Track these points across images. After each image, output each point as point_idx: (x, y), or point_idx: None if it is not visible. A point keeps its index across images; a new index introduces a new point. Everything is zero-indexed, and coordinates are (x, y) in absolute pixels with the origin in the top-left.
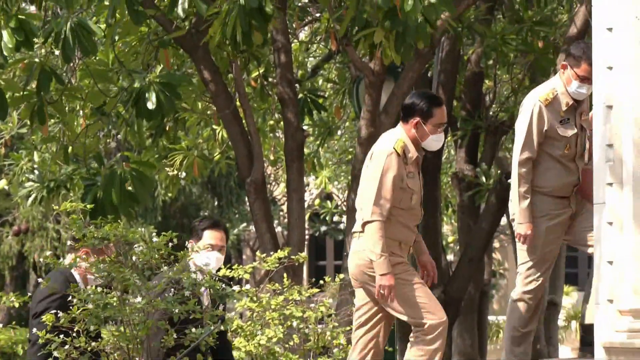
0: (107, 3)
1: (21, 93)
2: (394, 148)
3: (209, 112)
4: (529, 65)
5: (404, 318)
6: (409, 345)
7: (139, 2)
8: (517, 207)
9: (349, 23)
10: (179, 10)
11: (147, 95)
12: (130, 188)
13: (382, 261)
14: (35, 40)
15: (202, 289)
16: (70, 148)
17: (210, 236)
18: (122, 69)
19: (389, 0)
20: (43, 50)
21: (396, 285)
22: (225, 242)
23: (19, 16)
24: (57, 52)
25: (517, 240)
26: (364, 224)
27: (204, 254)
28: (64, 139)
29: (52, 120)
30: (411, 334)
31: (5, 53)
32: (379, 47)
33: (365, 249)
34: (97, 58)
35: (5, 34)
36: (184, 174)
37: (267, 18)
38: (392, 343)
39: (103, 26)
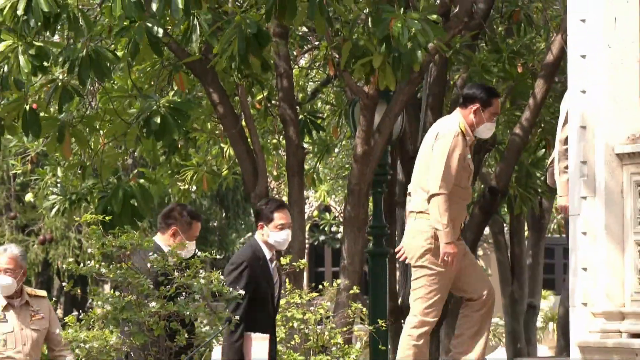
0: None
1: (50, 117)
2: (460, 128)
3: (217, 132)
4: (509, 90)
5: (457, 292)
6: (462, 313)
7: (157, 33)
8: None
9: (348, 54)
10: (194, 47)
11: (153, 118)
12: (134, 202)
13: (448, 231)
14: (47, 64)
15: (272, 264)
16: (88, 164)
17: (280, 216)
18: (139, 94)
19: (384, 28)
20: (65, 74)
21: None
22: None
23: (37, 43)
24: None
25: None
26: (430, 197)
27: (278, 233)
28: (83, 157)
29: (73, 140)
30: (463, 306)
31: (23, 78)
32: (377, 72)
33: (432, 222)
34: (117, 84)
35: (22, 59)
36: (194, 187)
37: (263, 43)
38: (385, 342)
39: (120, 53)
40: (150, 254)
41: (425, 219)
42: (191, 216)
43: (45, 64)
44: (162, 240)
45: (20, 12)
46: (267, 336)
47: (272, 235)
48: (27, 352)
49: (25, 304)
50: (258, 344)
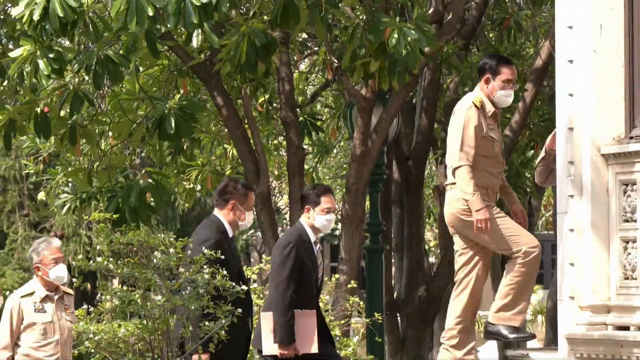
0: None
1: (61, 118)
2: (472, 102)
3: (221, 133)
4: None
5: (500, 250)
6: (507, 267)
7: (157, 36)
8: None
9: (343, 55)
10: (194, 43)
11: (167, 121)
12: (149, 197)
13: (476, 198)
14: (68, 68)
15: (316, 247)
16: (96, 165)
17: (326, 200)
18: (146, 97)
19: (379, 36)
20: (76, 79)
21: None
22: None
23: (56, 48)
24: (87, 78)
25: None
26: (454, 170)
27: (324, 217)
28: (92, 157)
29: (83, 140)
30: (510, 261)
31: (42, 81)
32: (374, 75)
33: (459, 192)
34: (126, 88)
35: (41, 62)
36: (199, 186)
37: (272, 50)
38: (381, 334)
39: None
40: (206, 229)
41: (456, 190)
42: (245, 188)
43: (62, 67)
44: (222, 215)
45: (36, 17)
46: (314, 312)
47: (318, 218)
48: (64, 342)
49: (60, 297)
50: (307, 321)
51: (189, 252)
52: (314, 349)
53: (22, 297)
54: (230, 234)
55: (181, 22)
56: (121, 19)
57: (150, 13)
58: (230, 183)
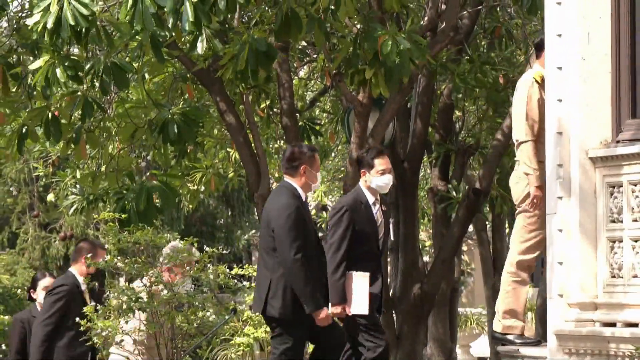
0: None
1: (71, 123)
2: (533, 77)
3: (224, 137)
4: (487, 98)
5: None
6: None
7: (162, 43)
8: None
9: (342, 63)
10: (199, 49)
11: (169, 126)
12: (156, 199)
13: (536, 175)
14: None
15: (376, 208)
16: (103, 167)
17: (380, 162)
18: (153, 105)
19: (374, 44)
20: (85, 86)
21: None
22: None
23: (71, 56)
24: (96, 84)
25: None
26: (518, 145)
27: (379, 178)
28: (100, 160)
29: (88, 145)
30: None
31: (58, 88)
32: (369, 82)
33: (523, 167)
34: (132, 95)
35: (58, 71)
36: (203, 188)
37: (272, 58)
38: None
39: (136, 64)
40: (284, 196)
41: (522, 167)
42: (310, 150)
43: (79, 74)
44: (294, 181)
45: (50, 25)
46: (367, 274)
47: (374, 180)
48: None
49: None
50: (358, 281)
51: (272, 219)
52: (364, 310)
53: None
54: (304, 197)
55: (179, 21)
56: (130, 23)
57: (153, 10)
58: (296, 149)
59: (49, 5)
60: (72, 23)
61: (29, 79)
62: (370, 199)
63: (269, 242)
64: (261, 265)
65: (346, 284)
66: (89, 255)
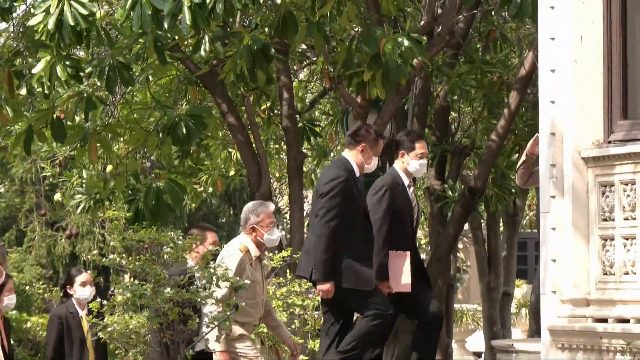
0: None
1: (76, 124)
2: None
3: (226, 138)
4: (484, 99)
5: None
6: None
7: (165, 46)
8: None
9: (340, 65)
10: (202, 52)
11: (178, 127)
12: (166, 197)
13: None
14: (82, 74)
15: (410, 190)
16: (110, 168)
17: (420, 146)
18: (159, 107)
19: (375, 46)
20: (90, 87)
21: None
22: None
23: (72, 57)
24: (99, 84)
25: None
26: None
27: (417, 161)
28: (107, 161)
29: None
30: None
31: (60, 88)
32: (367, 84)
33: None
34: (137, 97)
35: (59, 69)
36: (210, 189)
37: (269, 59)
38: None
39: (140, 67)
40: (335, 168)
41: None
42: (377, 134)
43: (81, 74)
44: (351, 155)
45: (51, 26)
46: (407, 253)
47: (412, 163)
48: (266, 302)
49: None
50: (400, 260)
51: (319, 187)
52: (407, 287)
53: (244, 252)
54: (357, 174)
55: (178, 24)
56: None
57: (149, 12)
58: (364, 127)
59: (49, 6)
60: (72, 24)
61: (34, 81)
62: (406, 180)
63: (316, 209)
64: (310, 232)
65: (389, 263)
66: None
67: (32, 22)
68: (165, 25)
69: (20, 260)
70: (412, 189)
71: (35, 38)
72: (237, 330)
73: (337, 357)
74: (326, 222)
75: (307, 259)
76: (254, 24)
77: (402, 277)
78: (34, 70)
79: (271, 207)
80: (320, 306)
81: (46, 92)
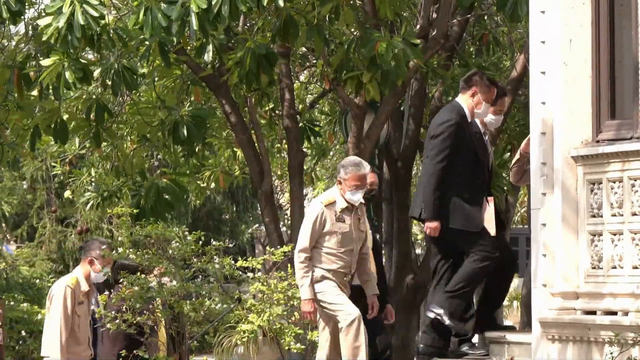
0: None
1: (81, 122)
2: None
3: (230, 138)
4: None
5: None
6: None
7: (170, 49)
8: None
9: (338, 67)
10: (206, 58)
11: (180, 127)
12: (167, 196)
13: None
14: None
15: (486, 137)
16: (116, 164)
17: (502, 103)
18: (162, 105)
19: (371, 49)
20: (99, 89)
21: None
22: None
23: (81, 60)
24: (107, 87)
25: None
26: None
27: (495, 117)
28: (115, 159)
29: (105, 143)
30: None
31: (68, 89)
32: (365, 86)
33: None
34: (143, 96)
35: (67, 72)
36: (213, 185)
37: (272, 63)
38: None
39: (146, 69)
40: (447, 111)
41: None
42: (490, 82)
43: (88, 76)
44: (463, 100)
45: (61, 24)
46: (492, 198)
47: (489, 117)
48: (357, 252)
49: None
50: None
51: (431, 129)
52: (492, 232)
53: (325, 205)
54: (469, 118)
55: (186, 29)
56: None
57: (164, 24)
58: (478, 73)
59: (60, 7)
60: (82, 23)
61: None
62: (481, 127)
63: (427, 150)
64: (422, 173)
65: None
66: None
67: (42, 22)
68: (174, 30)
69: (31, 255)
70: (487, 136)
71: (43, 39)
72: (319, 272)
73: (445, 296)
74: (436, 162)
75: (418, 200)
76: (256, 28)
77: (488, 221)
78: (42, 63)
79: (363, 170)
80: (431, 245)
81: (57, 93)
